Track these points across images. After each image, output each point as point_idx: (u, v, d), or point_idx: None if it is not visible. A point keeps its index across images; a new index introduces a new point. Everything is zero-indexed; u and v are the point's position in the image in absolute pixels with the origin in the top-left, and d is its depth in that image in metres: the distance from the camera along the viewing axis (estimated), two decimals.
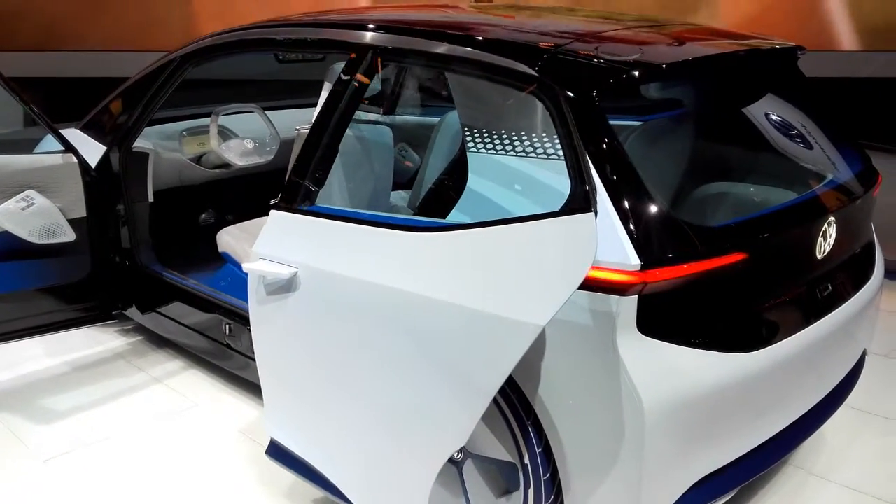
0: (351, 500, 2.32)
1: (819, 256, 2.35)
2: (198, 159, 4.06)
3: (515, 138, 2.14)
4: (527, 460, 2.12)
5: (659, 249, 1.95)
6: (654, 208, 2.00)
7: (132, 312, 3.84)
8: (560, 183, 1.97)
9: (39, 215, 3.30)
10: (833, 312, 2.42)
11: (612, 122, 2.10)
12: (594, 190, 1.77)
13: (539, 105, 2.05)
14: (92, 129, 3.77)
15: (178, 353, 3.82)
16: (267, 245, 2.34)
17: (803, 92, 2.82)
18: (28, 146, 3.70)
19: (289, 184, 2.38)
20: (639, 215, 1.97)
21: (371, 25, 2.51)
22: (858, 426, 3.19)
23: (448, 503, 2.38)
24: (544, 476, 2.11)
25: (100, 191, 3.53)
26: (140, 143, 3.69)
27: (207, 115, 3.95)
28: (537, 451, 2.10)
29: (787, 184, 2.46)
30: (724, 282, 2.08)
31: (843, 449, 3.05)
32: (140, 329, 4.01)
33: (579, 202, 1.81)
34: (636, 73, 2.08)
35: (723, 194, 2.33)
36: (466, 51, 2.23)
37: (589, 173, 1.79)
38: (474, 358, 1.90)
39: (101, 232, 3.58)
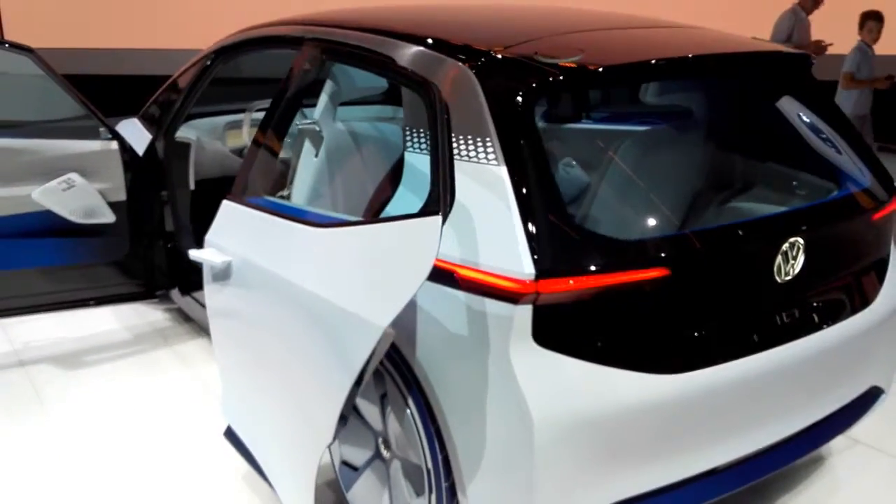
0: (273, 485, 2.37)
1: (780, 280, 2.17)
2: (239, 151, 4.24)
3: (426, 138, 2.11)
4: (430, 465, 2.09)
5: (557, 260, 1.87)
6: (559, 217, 1.93)
7: (174, 294, 4.07)
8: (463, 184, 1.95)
9: (79, 196, 3.56)
10: (801, 340, 2.22)
11: (542, 126, 2.04)
12: (448, 193, 1.72)
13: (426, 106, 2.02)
14: (144, 120, 4.04)
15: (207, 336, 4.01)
16: (215, 234, 2.43)
17: (809, 101, 2.60)
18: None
19: (238, 176, 2.46)
20: (541, 223, 1.89)
21: (322, 22, 2.56)
22: (862, 464, 2.94)
23: (380, 496, 2.40)
24: (445, 483, 2.07)
25: (141, 176, 3.76)
26: (184, 134, 3.90)
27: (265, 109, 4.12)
28: (439, 458, 2.06)
29: (740, 201, 2.28)
30: (640, 298, 1.96)
31: (835, 489, 2.80)
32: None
33: (433, 205, 1.77)
34: (545, 79, 2.00)
35: (655, 207, 2.19)
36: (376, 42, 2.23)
37: (448, 176, 1.74)
38: (336, 353, 1.90)
39: (141, 215, 3.81)
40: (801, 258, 2.18)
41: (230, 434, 2.61)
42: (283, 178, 2.65)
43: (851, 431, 3.01)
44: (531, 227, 1.88)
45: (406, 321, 2.07)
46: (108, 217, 3.67)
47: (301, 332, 2.03)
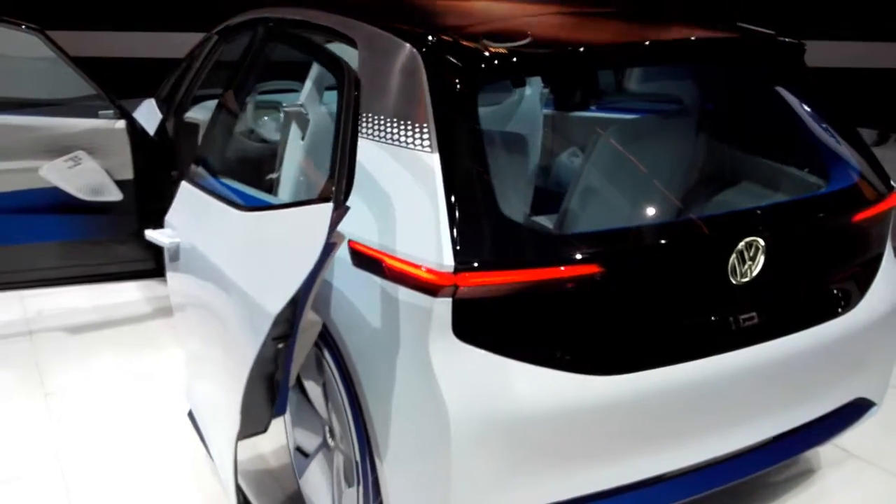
0: (217, 467, 2.38)
1: (735, 281, 2.04)
2: (247, 133, 4.26)
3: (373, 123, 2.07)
4: (358, 457, 2.06)
5: (480, 253, 1.81)
6: (488, 210, 1.86)
7: None
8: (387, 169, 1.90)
9: (86, 174, 3.64)
10: (761, 346, 2.10)
11: (483, 112, 1.97)
12: (343, 179, 1.66)
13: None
14: (159, 100, 4.10)
15: None
16: (171, 214, 2.44)
17: (800, 91, 2.45)
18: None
19: (194, 158, 2.46)
20: (467, 215, 1.83)
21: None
22: (853, 477, 2.77)
23: (327, 483, 2.39)
24: (372, 476, 2.03)
25: (151, 156, 3.81)
26: (194, 115, 3.94)
27: (275, 91, 4.14)
28: (366, 449, 2.03)
29: (704, 197, 2.16)
30: (570, 295, 1.87)
31: (822, 501, 2.65)
32: None
33: (328, 191, 1.71)
34: (479, 64, 1.92)
35: (595, 202, 2.09)
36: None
37: (346, 162, 1.69)
38: (242, 339, 1.87)
39: (151, 194, 3.87)
40: (760, 259, 2.05)
41: (191, 415, 2.63)
42: (237, 160, 2.64)
43: (845, 444, 2.88)
44: (456, 219, 1.82)
45: (339, 309, 2.04)
46: (115, 195, 3.73)
47: (222, 315, 2.02)
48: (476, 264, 1.79)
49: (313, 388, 2.33)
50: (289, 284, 1.67)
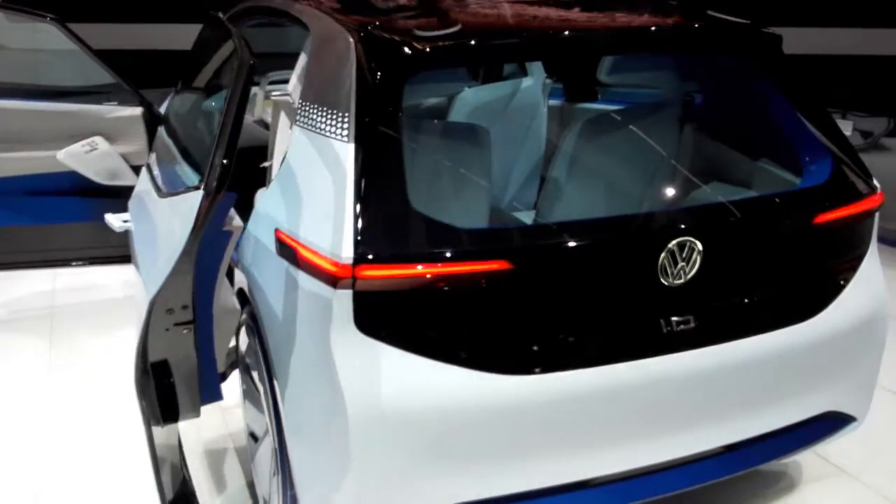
0: None
1: (667, 283, 1.95)
2: (264, 124, 4.32)
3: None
4: (276, 445, 2.07)
5: (382, 246, 1.78)
6: (396, 203, 1.83)
7: None
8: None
9: (102, 159, 3.77)
10: (699, 351, 1.99)
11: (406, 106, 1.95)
12: (217, 167, 1.66)
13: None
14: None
15: None
16: (131, 199, 2.50)
17: (774, 84, 2.31)
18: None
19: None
20: (373, 208, 1.81)
21: None
22: (833, 491, 2.61)
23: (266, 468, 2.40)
24: (288, 466, 2.04)
25: None
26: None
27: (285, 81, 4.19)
28: (283, 440, 2.03)
29: (620, 194, 2.06)
30: (475, 291, 1.82)
31: None
32: None
33: (203, 179, 1.71)
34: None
35: (558, 197, 2.01)
36: None
37: (222, 150, 1.68)
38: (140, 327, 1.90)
39: None
40: (697, 260, 1.95)
41: None
42: (181, 148, 2.68)
43: (829, 456, 2.72)
44: (361, 211, 1.80)
45: (263, 297, 2.06)
46: (132, 180, 3.85)
47: (139, 302, 2.07)
48: (376, 257, 1.77)
49: (257, 376, 2.35)
50: (163, 270, 1.69)
